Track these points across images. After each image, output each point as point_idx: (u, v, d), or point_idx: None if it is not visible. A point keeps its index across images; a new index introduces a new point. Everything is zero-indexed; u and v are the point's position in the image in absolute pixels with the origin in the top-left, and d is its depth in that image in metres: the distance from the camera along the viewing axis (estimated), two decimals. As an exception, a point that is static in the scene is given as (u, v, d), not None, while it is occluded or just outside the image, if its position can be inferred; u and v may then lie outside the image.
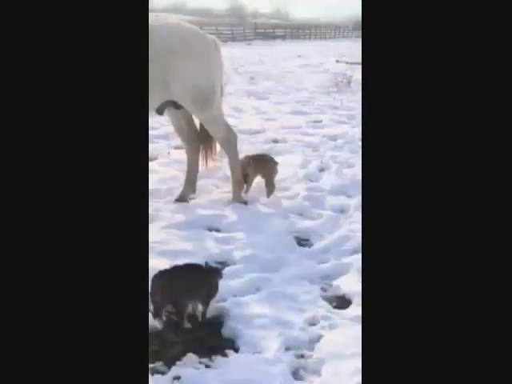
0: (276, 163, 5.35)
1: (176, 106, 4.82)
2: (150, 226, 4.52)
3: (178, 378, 2.61)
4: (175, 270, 3.20)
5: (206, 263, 3.30)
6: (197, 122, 5.24)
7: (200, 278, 3.13)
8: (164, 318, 3.12)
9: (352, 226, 4.53)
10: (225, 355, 2.83)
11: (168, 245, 4.10)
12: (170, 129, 7.26)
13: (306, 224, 4.65)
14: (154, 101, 4.68)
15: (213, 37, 4.94)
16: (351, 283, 3.58)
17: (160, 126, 8.30)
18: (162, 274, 3.13)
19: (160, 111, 4.92)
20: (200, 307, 3.17)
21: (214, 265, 3.49)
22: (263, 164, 5.29)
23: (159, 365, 2.74)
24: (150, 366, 2.71)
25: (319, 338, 3.00)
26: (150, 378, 2.61)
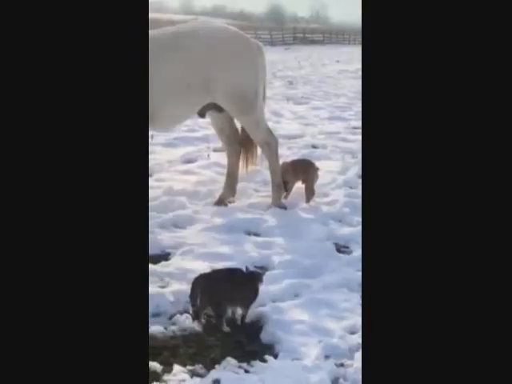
0: (317, 168, 5.32)
1: (218, 108, 4.84)
2: (189, 228, 4.54)
3: (217, 381, 2.60)
4: (216, 273, 3.21)
5: (247, 268, 3.29)
6: (238, 126, 5.25)
7: (241, 283, 3.12)
8: (203, 320, 3.12)
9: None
10: (264, 361, 2.82)
11: (207, 248, 4.11)
12: (210, 131, 7.31)
13: (345, 231, 4.60)
14: (196, 103, 4.72)
15: (256, 41, 4.95)
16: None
17: (199, 128, 8.35)
18: (203, 277, 3.14)
19: (202, 114, 4.95)
20: (239, 311, 3.17)
21: (254, 269, 3.47)
22: (304, 169, 5.27)
23: (198, 367, 2.73)
24: (189, 368, 2.71)
25: (359, 346, 2.96)
26: (190, 380, 2.62)
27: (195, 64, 4.53)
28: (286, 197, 5.24)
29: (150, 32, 4.77)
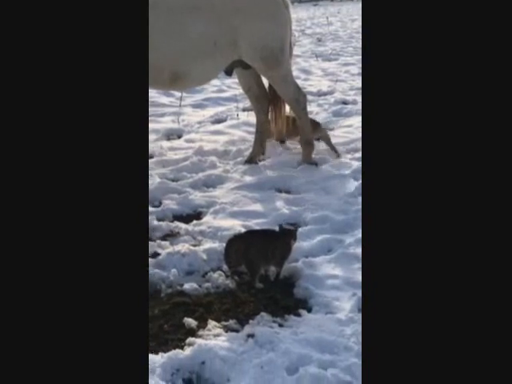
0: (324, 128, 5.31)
1: (245, 65, 4.78)
2: (220, 187, 4.55)
3: (251, 335, 2.62)
4: (250, 233, 3.22)
5: (281, 226, 3.29)
6: (266, 83, 5.19)
7: (274, 241, 3.12)
8: (236, 277, 3.14)
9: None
10: (298, 315, 2.82)
11: (238, 206, 4.11)
12: (238, 91, 7.26)
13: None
14: (223, 61, 4.67)
15: (283, -4, 4.84)
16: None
17: (228, 88, 8.30)
18: (237, 237, 3.16)
19: (228, 72, 4.91)
20: (273, 268, 3.17)
21: (286, 227, 3.46)
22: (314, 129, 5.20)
23: (232, 322, 2.75)
24: (224, 323, 2.74)
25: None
26: (224, 334, 2.64)
27: (221, 21, 4.48)
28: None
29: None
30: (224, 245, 3.25)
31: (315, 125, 5.28)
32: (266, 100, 5.19)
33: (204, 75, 4.81)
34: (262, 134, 5.20)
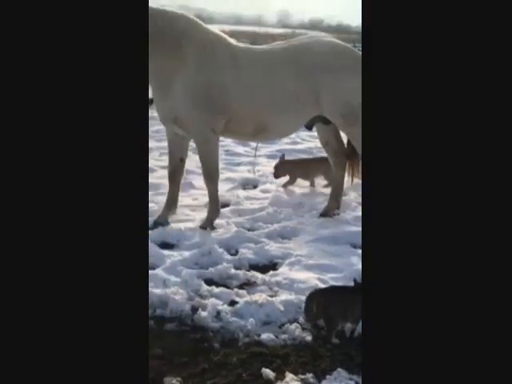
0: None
1: (325, 121, 4.88)
2: (295, 239, 4.60)
3: (329, 391, 2.63)
4: (331, 289, 3.27)
5: (355, 280, 3.30)
6: (344, 138, 5.26)
7: (354, 299, 3.13)
8: (313, 331, 3.16)
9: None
10: (375, 374, 2.81)
11: (314, 259, 4.15)
12: (313, 144, 7.38)
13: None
14: (304, 116, 4.79)
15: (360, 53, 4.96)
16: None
17: (302, 141, 8.44)
18: (319, 291, 3.22)
19: (309, 126, 5.02)
20: (349, 325, 3.17)
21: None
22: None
23: (310, 376, 2.76)
24: (301, 376, 2.75)
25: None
26: (302, 388, 2.66)
27: (306, 77, 4.62)
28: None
29: (259, 48, 4.93)
30: (300, 297, 3.29)
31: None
32: (343, 155, 5.26)
33: (286, 129, 4.95)
34: (337, 188, 5.25)
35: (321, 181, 6.08)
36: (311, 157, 6.61)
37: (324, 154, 5.51)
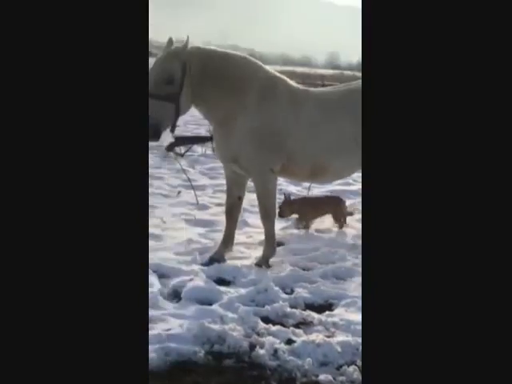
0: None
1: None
2: (350, 280, 4.59)
3: None
4: None
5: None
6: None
7: None
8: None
9: None
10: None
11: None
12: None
13: None
14: (350, 161, 4.84)
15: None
16: None
17: (354, 182, 8.43)
18: None
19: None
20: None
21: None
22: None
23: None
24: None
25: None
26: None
27: (348, 123, 4.67)
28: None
29: (317, 91, 5.03)
30: (357, 339, 3.29)
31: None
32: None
33: (342, 171, 5.01)
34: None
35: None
36: (319, 195, 6.82)
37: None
